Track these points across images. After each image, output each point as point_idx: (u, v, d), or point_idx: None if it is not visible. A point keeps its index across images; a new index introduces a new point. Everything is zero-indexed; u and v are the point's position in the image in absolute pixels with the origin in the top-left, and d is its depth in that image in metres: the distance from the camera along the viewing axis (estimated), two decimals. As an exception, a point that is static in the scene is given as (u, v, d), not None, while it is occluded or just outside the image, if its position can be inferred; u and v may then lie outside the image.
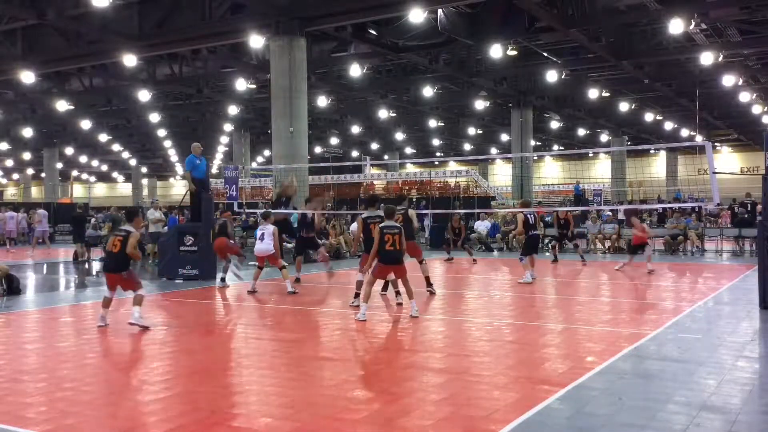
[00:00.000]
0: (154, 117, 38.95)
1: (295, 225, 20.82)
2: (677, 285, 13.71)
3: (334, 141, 51.12)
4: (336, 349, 7.93)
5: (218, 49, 25.57)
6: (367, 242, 9.94)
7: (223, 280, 13.36)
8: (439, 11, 20.53)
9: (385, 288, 12.11)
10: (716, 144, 52.00)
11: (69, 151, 53.59)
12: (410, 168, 50.74)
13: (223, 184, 22.49)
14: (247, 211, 24.02)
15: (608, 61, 26.42)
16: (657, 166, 54.75)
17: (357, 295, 10.39)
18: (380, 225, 9.54)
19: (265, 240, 12.34)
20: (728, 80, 29.25)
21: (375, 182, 43.54)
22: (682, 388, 5.86)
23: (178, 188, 62.56)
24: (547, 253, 22.74)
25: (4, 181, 77.03)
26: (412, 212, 11.99)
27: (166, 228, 18.91)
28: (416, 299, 9.71)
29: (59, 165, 54.37)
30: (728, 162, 55.46)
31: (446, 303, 11.58)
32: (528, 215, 14.44)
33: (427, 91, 32.28)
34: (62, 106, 33.51)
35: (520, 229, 14.66)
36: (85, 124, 40.44)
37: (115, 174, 74.88)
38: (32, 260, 20.99)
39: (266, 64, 22.88)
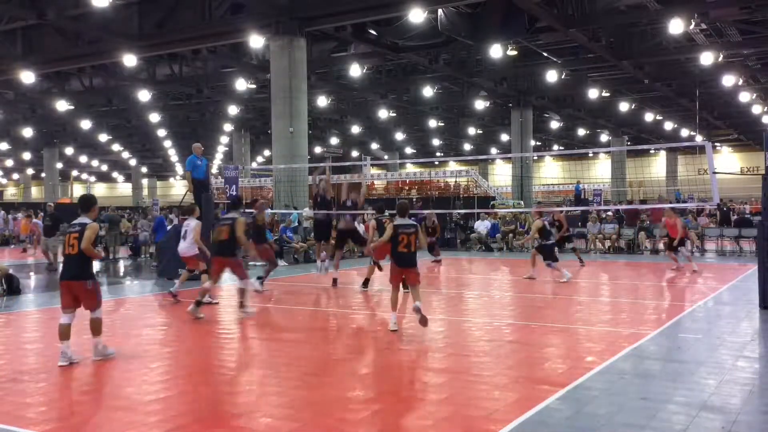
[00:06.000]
0: (154, 117, 38.95)
1: (295, 224, 20.93)
2: (677, 285, 13.70)
3: (334, 141, 51.14)
4: (336, 349, 7.93)
5: (218, 49, 25.56)
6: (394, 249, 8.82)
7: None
8: (439, 11, 20.52)
9: (365, 284, 12.25)
10: (716, 144, 52.00)
11: (69, 151, 53.61)
12: (410, 168, 50.73)
13: (223, 183, 22.49)
14: (246, 210, 24.00)
15: (608, 61, 26.42)
16: (657, 166, 54.78)
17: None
18: (394, 223, 8.58)
19: (188, 238, 10.99)
20: (728, 80, 29.25)
21: (375, 182, 43.54)
22: (682, 388, 5.86)
23: (178, 188, 62.58)
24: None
25: (4, 181, 77.05)
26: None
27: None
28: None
29: (59, 165, 54.40)
30: (728, 162, 55.46)
31: (446, 303, 11.58)
32: (546, 223, 14.66)
33: (427, 91, 32.27)
34: (62, 106, 33.52)
35: (533, 235, 14.66)
36: (85, 124, 40.45)
37: (115, 174, 74.89)
38: (33, 260, 20.99)
39: (266, 64, 22.89)
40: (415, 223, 8.73)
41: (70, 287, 6.98)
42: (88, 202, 7.26)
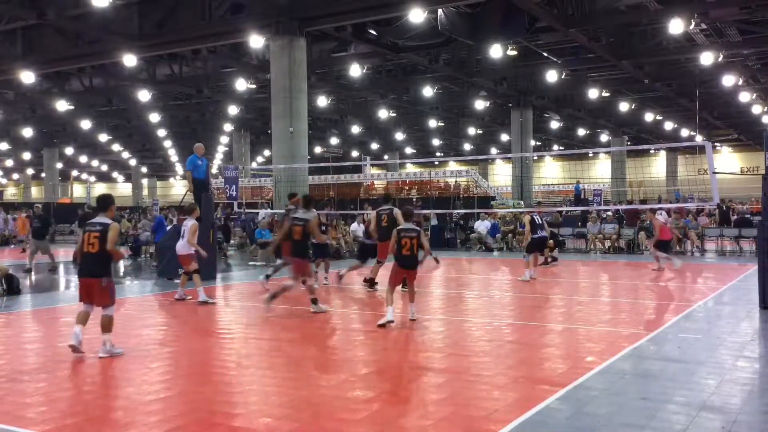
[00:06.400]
0: (154, 117, 38.94)
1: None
2: (677, 285, 13.70)
3: (334, 141, 51.14)
4: (336, 349, 7.93)
5: (218, 49, 25.54)
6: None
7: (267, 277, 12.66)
8: (439, 11, 20.51)
9: (371, 284, 12.30)
10: (716, 144, 51.99)
11: (69, 151, 53.59)
12: (410, 168, 50.73)
13: (223, 183, 22.50)
14: (246, 210, 24.07)
15: (608, 61, 26.40)
16: (657, 166, 54.76)
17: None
18: (398, 228, 9.28)
19: (185, 237, 10.96)
20: (728, 80, 29.24)
21: (375, 182, 43.54)
22: (682, 388, 5.86)
23: (178, 188, 62.60)
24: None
25: (4, 181, 77.03)
26: (397, 211, 11.50)
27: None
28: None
29: (59, 165, 54.36)
30: (728, 162, 55.47)
31: (446, 303, 11.58)
32: (534, 217, 14.89)
33: (427, 91, 32.27)
34: (62, 106, 33.50)
35: (527, 231, 14.88)
36: (85, 124, 40.43)
37: (115, 174, 74.87)
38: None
39: (266, 64, 22.87)
40: (417, 228, 9.23)
41: (86, 284, 7.24)
42: (105, 201, 7.43)
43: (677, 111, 40.41)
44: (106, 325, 7.20)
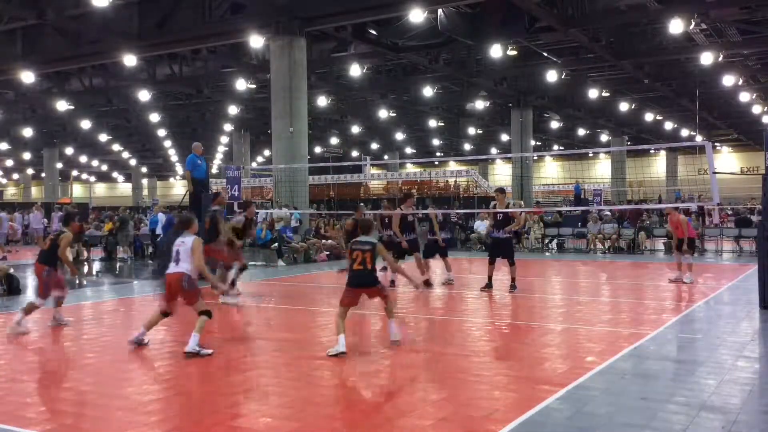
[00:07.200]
0: (154, 117, 38.97)
1: (296, 224, 20.92)
2: (677, 285, 13.68)
3: (334, 141, 51.15)
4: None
5: (218, 49, 25.57)
6: None
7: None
8: (439, 11, 20.52)
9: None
10: (716, 144, 52.02)
11: (69, 151, 53.61)
12: (410, 168, 50.73)
13: (225, 184, 22.48)
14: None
15: (608, 61, 26.43)
16: (657, 166, 54.76)
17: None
18: (352, 240, 7.64)
19: (187, 260, 7.70)
20: (728, 80, 29.28)
21: (375, 182, 43.52)
22: (682, 388, 5.86)
23: (178, 188, 62.57)
24: (547, 253, 22.79)
25: (4, 181, 77.04)
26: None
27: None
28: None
29: (59, 165, 54.38)
30: (728, 162, 55.50)
31: (446, 303, 11.58)
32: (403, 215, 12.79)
33: (427, 91, 32.29)
34: (62, 106, 33.52)
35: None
36: (85, 124, 40.47)
37: (115, 174, 74.88)
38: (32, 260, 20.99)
39: (266, 64, 22.89)
40: (373, 240, 7.54)
41: (35, 269, 8.95)
42: (67, 217, 9.42)
43: (677, 111, 40.42)
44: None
